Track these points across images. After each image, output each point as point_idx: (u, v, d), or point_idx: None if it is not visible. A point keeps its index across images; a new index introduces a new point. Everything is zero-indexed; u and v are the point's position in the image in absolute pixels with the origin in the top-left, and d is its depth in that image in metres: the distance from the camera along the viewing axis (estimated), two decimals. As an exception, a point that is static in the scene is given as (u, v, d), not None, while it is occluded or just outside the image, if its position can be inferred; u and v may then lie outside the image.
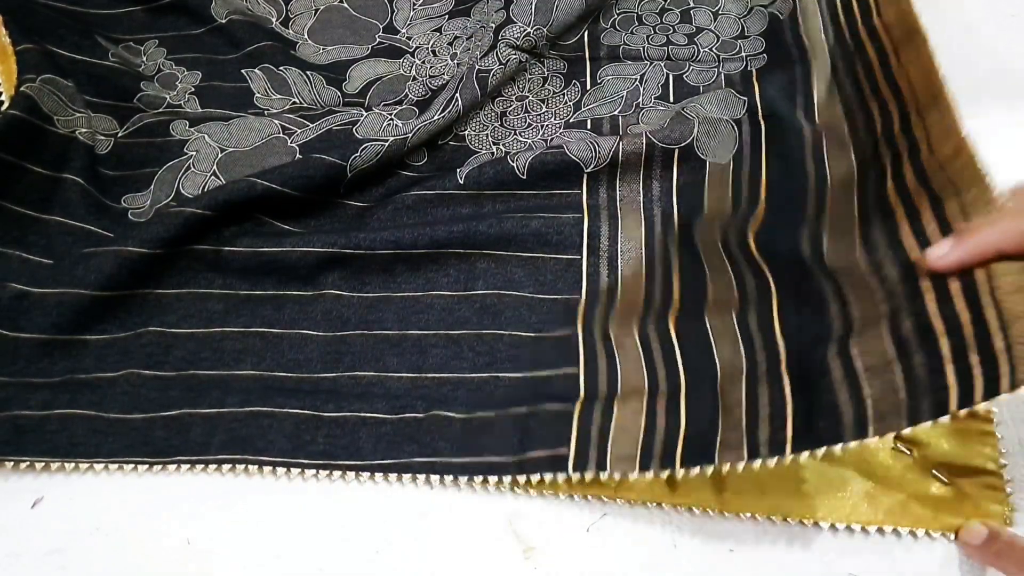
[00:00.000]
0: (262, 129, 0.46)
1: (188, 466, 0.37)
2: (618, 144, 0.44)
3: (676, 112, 0.45)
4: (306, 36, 0.52)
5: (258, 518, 0.36)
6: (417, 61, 0.50)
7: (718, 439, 0.32)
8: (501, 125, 0.47)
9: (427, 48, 0.51)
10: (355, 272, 0.42)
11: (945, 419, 0.27)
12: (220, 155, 0.45)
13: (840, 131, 0.42)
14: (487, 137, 0.46)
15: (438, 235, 0.41)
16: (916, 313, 0.29)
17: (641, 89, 0.48)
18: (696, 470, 0.31)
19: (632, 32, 0.50)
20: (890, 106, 0.40)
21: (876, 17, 0.44)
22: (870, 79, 0.42)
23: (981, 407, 0.27)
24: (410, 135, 0.44)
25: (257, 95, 0.48)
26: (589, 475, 0.34)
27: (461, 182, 0.44)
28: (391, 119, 0.46)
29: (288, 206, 0.43)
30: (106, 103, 0.47)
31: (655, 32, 0.50)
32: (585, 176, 0.44)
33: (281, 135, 0.46)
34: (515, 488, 0.36)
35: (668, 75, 0.48)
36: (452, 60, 0.50)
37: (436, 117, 0.44)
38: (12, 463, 0.36)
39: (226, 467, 0.36)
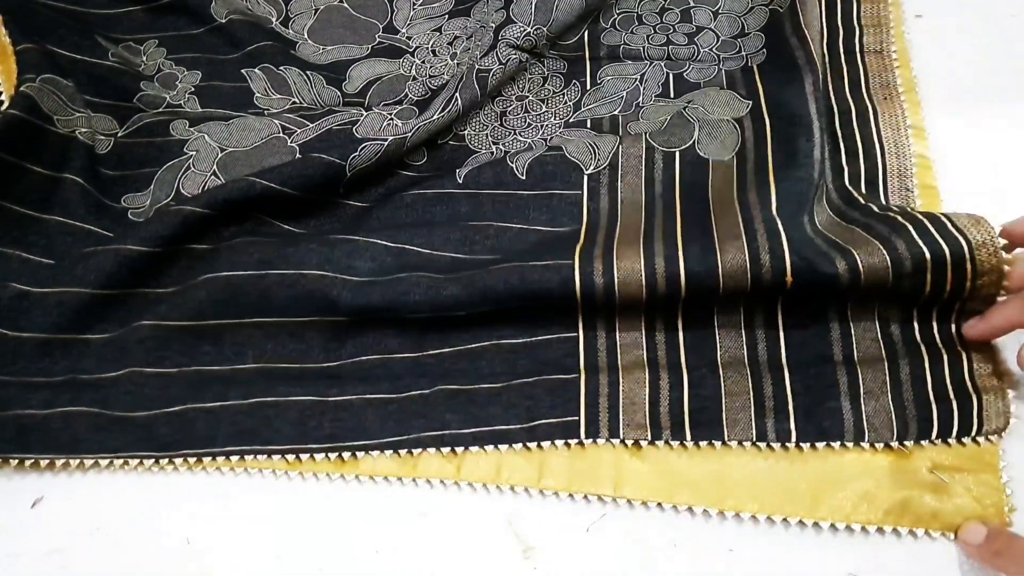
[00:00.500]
0: (262, 129, 0.46)
1: (194, 460, 0.37)
2: (618, 146, 0.44)
3: (676, 112, 0.45)
4: (306, 36, 0.52)
5: (258, 518, 0.36)
6: (417, 61, 0.50)
7: (724, 416, 0.37)
8: (501, 125, 0.47)
9: (427, 48, 0.51)
10: (343, 256, 0.41)
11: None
12: (220, 155, 0.45)
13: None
14: (487, 137, 0.46)
15: (435, 238, 0.41)
16: (912, 363, 0.37)
17: (641, 89, 0.48)
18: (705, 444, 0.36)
19: (632, 32, 0.50)
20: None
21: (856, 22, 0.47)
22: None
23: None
24: (410, 134, 0.43)
25: (257, 95, 0.48)
26: (601, 442, 0.36)
27: (460, 182, 0.44)
28: (391, 119, 0.46)
29: (288, 206, 0.43)
30: (106, 103, 0.47)
31: (655, 32, 0.50)
32: (585, 177, 0.44)
33: (281, 135, 0.46)
34: (514, 488, 0.36)
35: (668, 75, 0.48)
36: (452, 60, 0.50)
37: (436, 117, 0.44)
38: (16, 461, 0.36)
39: (234, 458, 0.37)
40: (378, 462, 0.37)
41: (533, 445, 0.37)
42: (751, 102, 0.45)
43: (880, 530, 0.35)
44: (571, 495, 0.36)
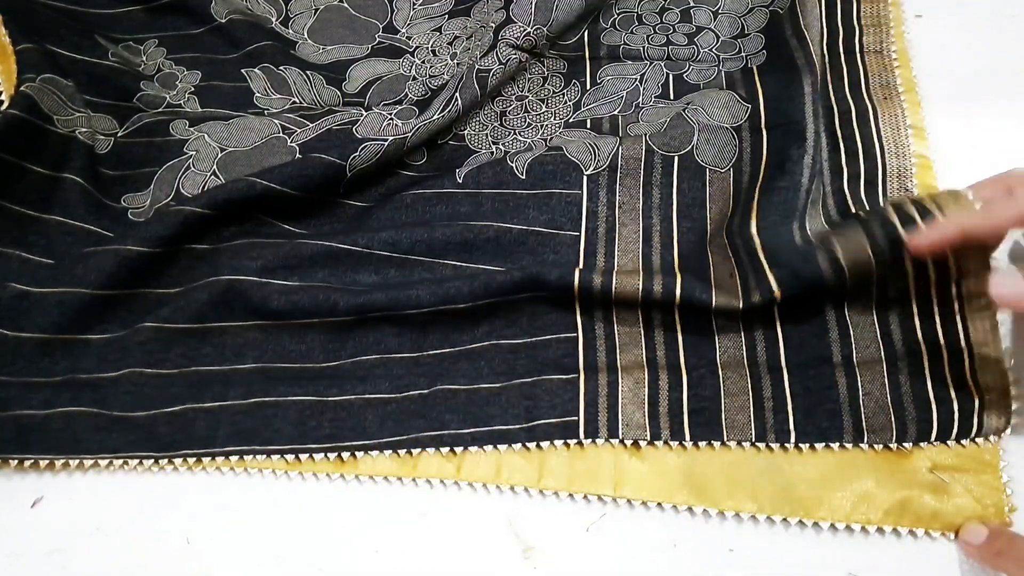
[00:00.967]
0: (262, 129, 0.46)
1: (194, 460, 0.37)
2: (618, 147, 0.44)
3: (676, 114, 0.45)
4: (306, 36, 0.52)
5: (258, 518, 0.36)
6: (417, 61, 0.50)
7: (723, 416, 0.37)
8: (501, 125, 0.47)
9: (427, 48, 0.51)
10: (346, 268, 0.41)
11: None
12: (220, 155, 0.45)
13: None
14: (487, 137, 0.46)
15: (435, 239, 0.41)
16: (911, 364, 0.37)
17: (641, 89, 0.48)
18: (704, 444, 0.36)
19: (632, 32, 0.50)
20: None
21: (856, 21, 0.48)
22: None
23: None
24: (410, 134, 0.43)
25: (257, 95, 0.48)
26: (600, 442, 0.36)
27: (460, 181, 0.44)
28: (391, 119, 0.46)
29: (288, 206, 0.43)
30: (106, 103, 0.47)
31: (655, 32, 0.50)
32: (585, 178, 0.44)
33: (281, 135, 0.46)
34: (514, 488, 0.36)
35: (668, 75, 0.48)
36: (452, 60, 0.50)
37: (436, 117, 0.44)
38: (16, 461, 0.36)
39: (234, 459, 0.37)
40: (378, 462, 0.37)
41: (533, 445, 0.37)
42: (750, 106, 0.45)
43: (880, 530, 0.35)
44: (571, 495, 0.36)
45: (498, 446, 0.37)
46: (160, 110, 0.48)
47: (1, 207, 0.41)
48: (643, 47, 0.49)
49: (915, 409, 0.36)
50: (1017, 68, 0.46)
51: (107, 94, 0.47)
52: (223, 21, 0.51)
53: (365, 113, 0.47)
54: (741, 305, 0.36)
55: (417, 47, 0.51)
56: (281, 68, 0.49)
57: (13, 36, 0.45)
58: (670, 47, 0.49)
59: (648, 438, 0.37)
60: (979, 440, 0.36)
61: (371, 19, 0.52)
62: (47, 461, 0.36)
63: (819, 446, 0.36)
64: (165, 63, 0.50)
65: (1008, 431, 0.36)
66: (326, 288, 0.40)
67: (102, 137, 0.46)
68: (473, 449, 0.37)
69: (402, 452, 0.37)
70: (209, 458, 0.37)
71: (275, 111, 0.48)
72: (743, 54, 0.48)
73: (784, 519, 0.35)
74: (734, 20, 0.50)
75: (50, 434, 0.37)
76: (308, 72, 0.49)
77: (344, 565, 0.35)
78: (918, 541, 0.35)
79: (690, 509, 0.36)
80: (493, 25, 0.48)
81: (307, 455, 0.37)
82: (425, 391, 0.38)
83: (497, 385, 0.38)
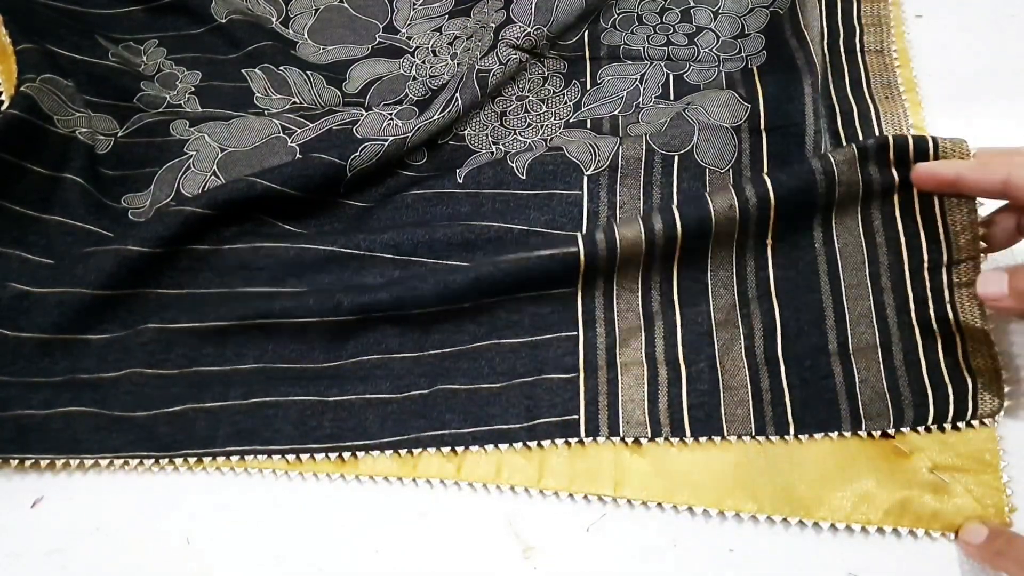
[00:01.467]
0: (262, 129, 0.46)
1: (194, 460, 0.37)
2: (618, 147, 0.44)
3: (676, 114, 0.45)
4: (306, 36, 0.52)
5: (258, 518, 0.36)
6: (417, 61, 0.50)
7: (723, 410, 0.37)
8: (501, 125, 0.47)
9: (427, 48, 0.51)
10: (352, 273, 0.42)
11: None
12: (220, 155, 0.45)
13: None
14: (487, 137, 0.46)
15: (437, 240, 0.41)
16: (906, 351, 0.37)
17: (641, 89, 0.48)
18: (704, 439, 0.37)
19: (632, 32, 0.50)
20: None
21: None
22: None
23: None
24: (410, 135, 0.44)
25: (257, 95, 0.48)
26: (601, 440, 0.37)
27: (460, 182, 0.44)
28: (391, 119, 0.46)
29: (288, 206, 0.43)
30: (106, 103, 0.47)
31: (655, 32, 0.50)
32: (585, 178, 0.44)
33: (281, 135, 0.46)
34: (514, 488, 0.36)
35: (668, 75, 0.48)
36: (452, 60, 0.50)
37: (436, 117, 0.44)
38: (16, 461, 0.36)
39: (234, 459, 0.37)
40: (378, 462, 0.37)
41: (533, 444, 0.37)
42: (750, 106, 0.45)
43: (880, 530, 0.35)
44: (571, 495, 0.36)
45: (499, 446, 0.37)
46: (160, 110, 0.48)
47: (1, 207, 0.41)
48: (643, 47, 0.49)
49: (911, 394, 0.36)
50: (1017, 68, 0.46)
51: (107, 94, 0.47)
52: (223, 21, 0.51)
53: (365, 113, 0.47)
54: (737, 203, 0.37)
55: (417, 47, 0.51)
56: (281, 68, 0.49)
57: (13, 36, 0.45)
58: (670, 47, 0.49)
59: (649, 435, 0.37)
60: (975, 423, 0.36)
61: (371, 19, 0.52)
62: (47, 461, 0.36)
63: (818, 436, 0.36)
64: (165, 63, 0.50)
65: (1000, 415, 0.36)
66: (330, 294, 0.40)
67: (102, 137, 0.46)
68: (473, 449, 0.37)
69: (403, 452, 0.37)
70: (209, 458, 0.37)
71: (275, 111, 0.48)
72: (743, 54, 0.48)
73: (784, 519, 0.35)
74: (734, 20, 0.50)
75: (50, 434, 0.37)
76: (308, 72, 0.49)
77: (344, 565, 0.35)
78: (918, 541, 0.35)
79: (690, 509, 0.36)
80: (493, 25, 0.48)
81: (307, 455, 0.37)
82: (426, 391, 0.38)
83: (497, 385, 0.38)
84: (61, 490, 0.37)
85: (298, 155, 0.45)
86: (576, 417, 0.37)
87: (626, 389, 0.38)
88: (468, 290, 0.39)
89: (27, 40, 0.45)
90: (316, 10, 0.53)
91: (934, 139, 0.36)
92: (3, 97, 0.44)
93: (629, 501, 0.36)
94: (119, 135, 0.46)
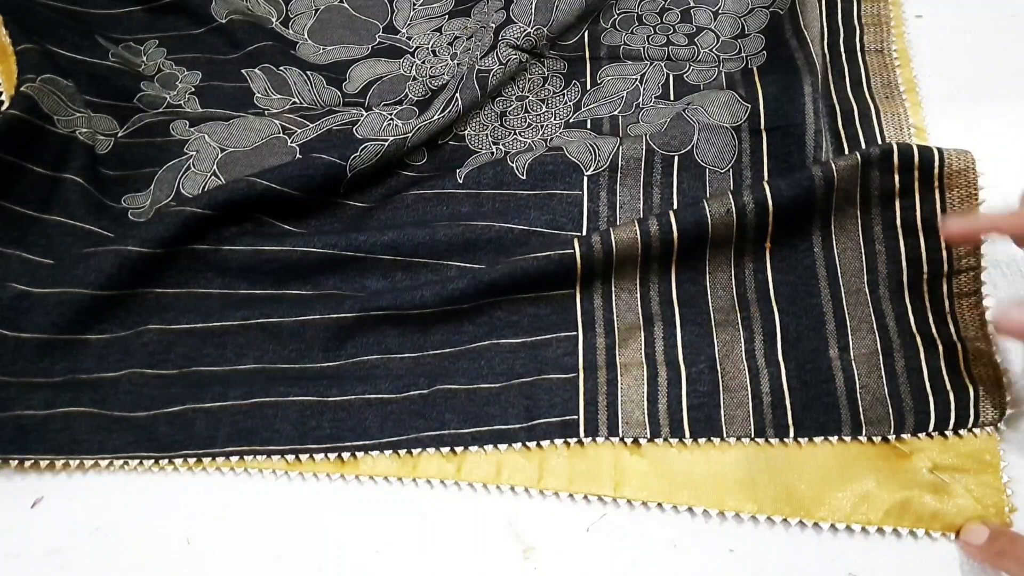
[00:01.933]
0: (262, 129, 0.46)
1: (194, 460, 0.37)
2: (618, 148, 0.44)
3: (677, 114, 0.45)
4: (306, 36, 0.52)
5: (258, 518, 0.36)
6: (417, 61, 0.50)
7: (722, 412, 0.37)
8: (501, 125, 0.47)
9: (427, 48, 0.51)
10: (355, 275, 0.42)
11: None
12: (220, 155, 0.45)
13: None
14: (487, 137, 0.46)
15: (438, 241, 0.41)
16: (908, 357, 0.37)
17: (641, 89, 0.48)
18: (704, 440, 0.37)
19: (632, 32, 0.50)
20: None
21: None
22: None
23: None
24: (410, 135, 0.44)
25: (257, 95, 0.48)
26: (600, 440, 0.36)
27: (461, 182, 0.44)
28: (391, 119, 0.46)
29: (288, 206, 0.43)
30: (106, 103, 0.47)
31: (655, 32, 0.50)
32: (585, 178, 0.44)
33: (281, 135, 0.46)
34: (514, 488, 0.36)
35: (668, 75, 0.48)
36: (452, 60, 0.50)
37: (436, 117, 0.44)
38: (16, 462, 0.36)
39: (234, 459, 0.37)
40: (378, 462, 0.37)
41: (533, 445, 0.37)
42: (750, 106, 0.45)
43: (880, 530, 0.35)
44: (571, 495, 0.36)
45: (498, 446, 0.37)
46: (160, 110, 0.48)
47: (1, 207, 0.41)
48: (643, 47, 0.49)
49: (912, 400, 0.36)
50: (1017, 68, 0.46)
51: (107, 94, 0.47)
52: (223, 21, 0.51)
53: (365, 113, 0.47)
54: (734, 208, 0.37)
55: (417, 47, 0.51)
56: (281, 68, 0.49)
57: (13, 36, 0.45)
58: (670, 47, 0.49)
59: (648, 436, 0.37)
60: (976, 431, 0.36)
61: (371, 19, 0.52)
62: (47, 461, 0.36)
63: (818, 440, 0.36)
64: (165, 63, 0.50)
65: (1003, 423, 0.36)
66: (337, 295, 0.40)
67: (102, 137, 0.46)
68: (473, 449, 0.37)
69: (402, 452, 0.37)
70: (209, 458, 0.37)
71: (275, 111, 0.48)
72: (743, 55, 0.48)
73: (784, 519, 0.35)
74: (734, 20, 0.50)
75: (50, 434, 0.37)
76: (308, 72, 0.49)
77: (344, 565, 0.35)
78: (918, 541, 0.35)
79: (690, 509, 0.36)
80: (493, 25, 0.48)
81: (307, 455, 0.37)
82: (425, 391, 0.38)
83: (497, 385, 0.38)
84: (61, 490, 0.37)
85: (298, 155, 0.45)
86: (575, 417, 0.37)
87: (626, 390, 0.38)
88: (467, 293, 0.39)
89: (27, 40, 0.45)
90: (316, 10, 0.53)
91: (940, 150, 0.36)
92: (3, 97, 0.44)
93: (629, 501, 0.36)
94: (119, 135, 0.46)
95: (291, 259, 0.41)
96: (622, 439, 0.37)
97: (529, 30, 0.47)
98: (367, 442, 0.37)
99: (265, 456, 0.37)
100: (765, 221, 0.38)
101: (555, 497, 0.36)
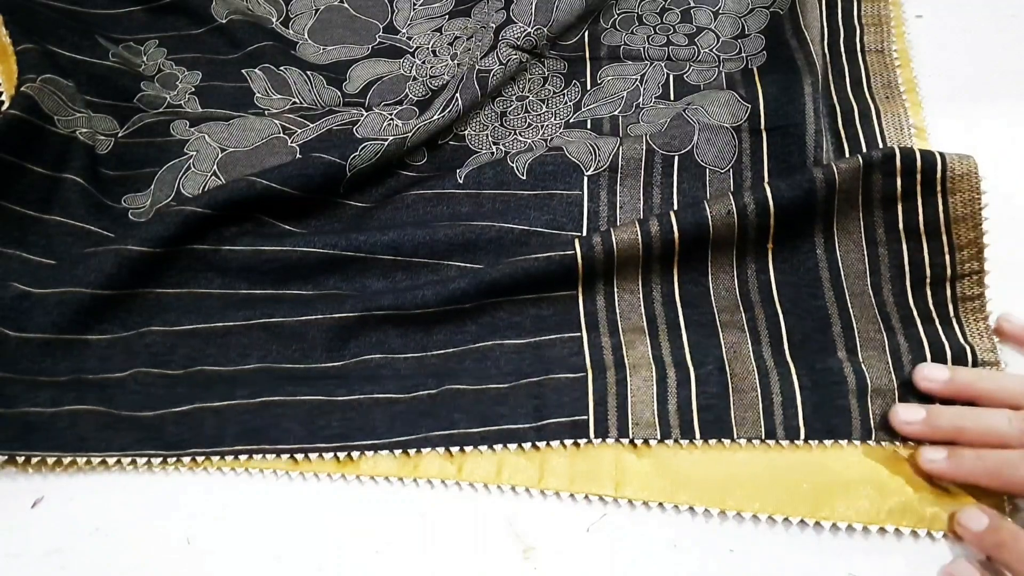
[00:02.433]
0: (262, 129, 0.46)
1: (203, 459, 0.37)
2: (618, 148, 0.44)
3: (677, 114, 0.45)
4: (306, 36, 0.52)
5: (258, 518, 0.36)
6: (417, 61, 0.50)
7: (732, 414, 0.36)
8: (501, 125, 0.47)
9: (427, 48, 0.51)
10: (355, 274, 0.42)
11: None
12: (220, 155, 0.45)
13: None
14: (487, 137, 0.47)
15: (438, 241, 0.41)
16: (915, 360, 0.37)
17: (641, 89, 0.48)
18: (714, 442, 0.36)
19: (632, 32, 0.50)
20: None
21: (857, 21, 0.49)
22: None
23: None
24: (410, 135, 0.44)
25: (257, 95, 0.48)
26: (611, 441, 0.36)
27: (461, 182, 0.44)
28: (391, 119, 0.46)
29: (288, 206, 0.43)
30: (106, 103, 0.47)
31: (655, 32, 0.50)
32: (585, 178, 0.44)
33: (281, 135, 0.46)
34: (515, 488, 0.36)
35: (668, 75, 0.48)
36: (452, 60, 0.50)
37: (436, 117, 0.44)
38: (22, 459, 0.36)
39: (242, 458, 0.37)
40: (379, 462, 0.37)
41: (541, 444, 0.37)
42: (750, 106, 0.45)
43: (880, 530, 0.35)
44: (571, 495, 0.36)
45: (507, 446, 0.37)
46: (160, 110, 0.48)
47: (1, 207, 0.41)
48: (643, 47, 0.49)
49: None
50: (1017, 68, 0.46)
51: (107, 94, 0.47)
52: (223, 21, 0.51)
53: (365, 113, 0.47)
54: (735, 209, 0.37)
55: (417, 47, 0.51)
56: (282, 68, 0.49)
57: (13, 36, 0.45)
58: (670, 47, 0.49)
59: (659, 437, 0.36)
60: None
61: (371, 19, 0.52)
62: (53, 459, 0.36)
63: (828, 443, 0.36)
64: (165, 63, 0.50)
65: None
66: (338, 295, 0.40)
67: (102, 137, 0.46)
68: (479, 449, 0.37)
69: (412, 452, 0.37)
70: (218, 457, 0.37)
71: (275, 111, 0.48)
72: (743, 55, 0.48)
73: (784, 519, 0.35)
74: (735, 21, 0.50)
75: (55, 432, 0.37)
76: (308, 72, 0.49)
77: (344, 565, 0.35)
78: (918, 541, 0.35)
79: (690, 509, 0.36)
80: (493, 25, 0.48)
81: (312, 455, 0.37)
82: (434, 391, 0.38)
83: (505, 385, 0.38)
84: (61, 490, 0.37)
85: (298, 155, 0.45)
86: (585, 418, 0.37)
87: (635, 390, 0.37)
88: (468, 293, 0.39)
89: (27, 40, 0.45)
90: (316, 10, 0.53)
91: (942, 155, 0.36)
92: (3, 97, 0.44)
93: (629, 501, 0.36)
94: (119, 135, 0.46)
95: (291, 259, 0.41)
96: (632, 441, 0.36)
97: (529, 30, 0.47)
98: (376, 441, 0.37)
99: (274, 455, 0.37)
100: (766, 222, 0.38)
101: (555, 497, 0.36)
